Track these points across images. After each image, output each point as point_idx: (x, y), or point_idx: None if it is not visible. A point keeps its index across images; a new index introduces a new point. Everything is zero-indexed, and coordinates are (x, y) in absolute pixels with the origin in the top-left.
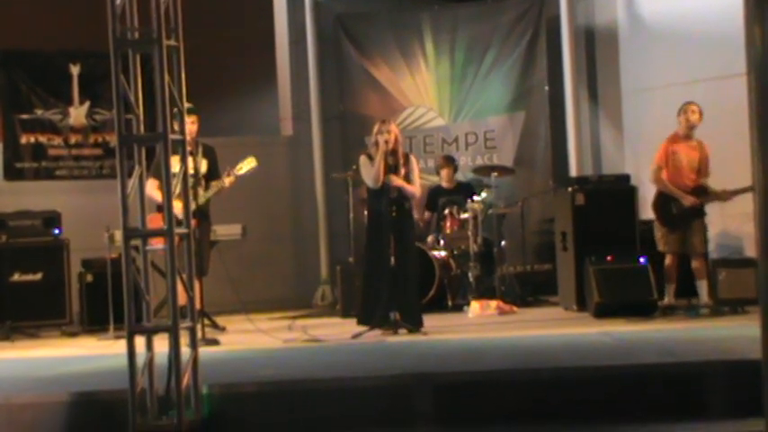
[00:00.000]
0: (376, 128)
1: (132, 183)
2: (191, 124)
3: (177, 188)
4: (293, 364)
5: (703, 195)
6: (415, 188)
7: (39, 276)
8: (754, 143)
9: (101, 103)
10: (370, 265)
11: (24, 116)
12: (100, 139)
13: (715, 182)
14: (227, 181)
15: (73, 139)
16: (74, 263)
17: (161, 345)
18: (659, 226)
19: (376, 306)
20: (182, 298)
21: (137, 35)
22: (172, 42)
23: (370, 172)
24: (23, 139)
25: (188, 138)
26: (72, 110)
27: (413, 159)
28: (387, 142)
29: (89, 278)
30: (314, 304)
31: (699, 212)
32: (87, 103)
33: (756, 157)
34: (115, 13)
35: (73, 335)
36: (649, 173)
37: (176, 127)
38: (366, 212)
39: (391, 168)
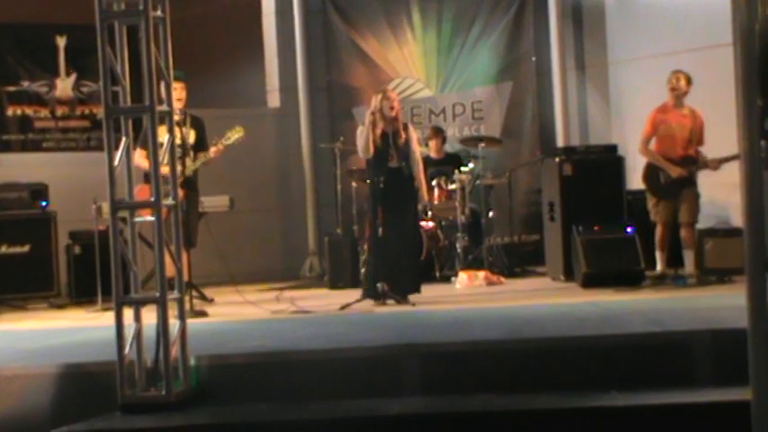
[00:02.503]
0: (378, 96)
1: (119, 154)
2: (180, 91)
3: (165, 157)
4: (281, 335)
5: (692, 165)
6: (418, 159)
7: (26, 249)
8: (740, 113)
9: (87, 75)
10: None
11: (11, 88)
12: (87, 111)
13: (704, 151)
14: (213, 151)
15: (60, 111)
16: (61, 235)
17: (149, 317)
18: (650, 196)
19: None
20: (169, 270)
21: (123, 6)
22: (158, 14)
23: (361, 141)
24: (10, 111)
25: (177, 105)
26: (59, 82)
27: (411, 128)
28: (392, 109)
29: (77, 250)
30: (302, 275)
31: (689, 181)
32: (74, 75)
33: (743, 128)
34: None
35: (61, 307)
36: (638, 144)
37: (164, 97)
38: (367, 183)
39: (389, 136)
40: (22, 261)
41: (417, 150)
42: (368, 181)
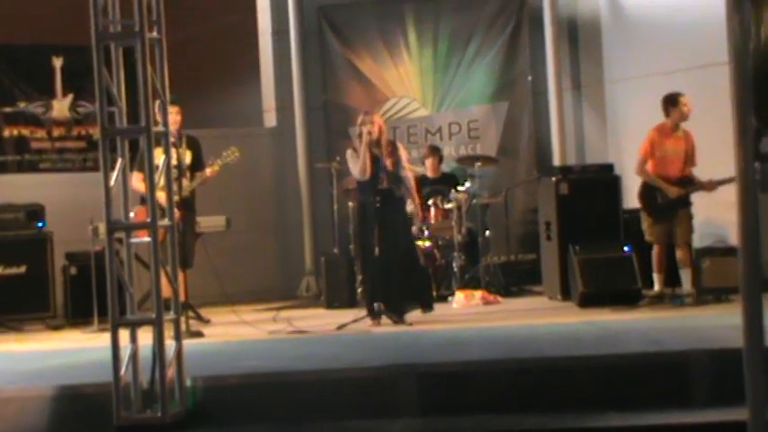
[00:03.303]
0: (360, 119)
1: (115, 175)
2: (174, 114)
3: (161, 180)
4: (278, 355)
5: (688, 186)
6: (409, 177)
7: (23, 269)
8: (736, 133)
9: (84, 96)
10: (368, 258)
11: (7, 109)
12: (83, 132)
13: (699, 171)
14: (209, 171)
15: (56, 132)
16: (58, 256)
17: (146, 338)
18: (646, 216)
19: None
20: (166, 290)
21: (119, 28)
22: (154, 35)
23: (356, 164)
24: (6, 132)
25: (172, 128)
26: (55, 103)
27: (400, 147)
28: (370, 133)
29: (73, 271)
30: (299, 295)
31: (684, 202)
32: (71, 96)
33: (738, 147)
34: (97, 6)
35: (57, 328)
36: (635, 164)
37: (159, 119)
38: (355, 204)
39: (378, 159)
40: (18, 282)
41: (408, 171)
42: (350, 204)
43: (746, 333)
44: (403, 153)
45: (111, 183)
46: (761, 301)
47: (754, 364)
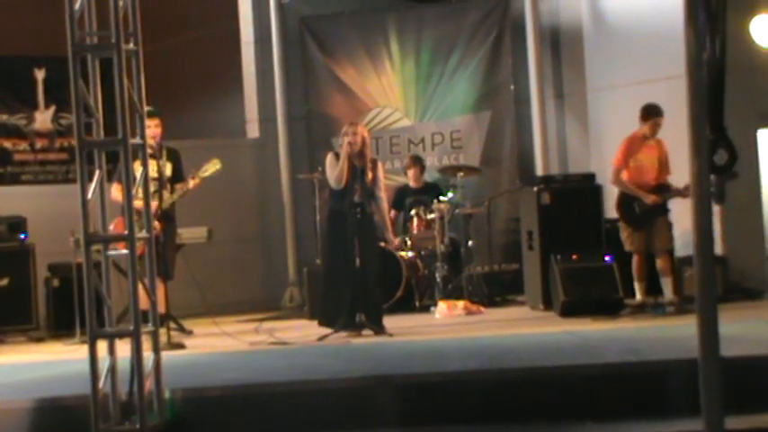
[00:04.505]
0: (344, 129)
1: (93, 187)
2: (154, 127)
3: (140, 191)
4: (258, 366)
5: (665, 193)
6: (383, 199)
7: (5, 282)
8: (691, 145)
9: (66, 108)
10: (333, 267)
11: None
12: (66, 144)
13: (676, 179)
14: (191, 183)
15: (39, 144)
16: (40, 268)
17: (126, 350)
18: (624, 226)
19: (340, 308)
20: (144, 302)
21: (95, 40)
22: (131, 47)
23: (334, 171)
24: None
25: (152, 141)
26: (37, 114)
27: (379, 165)
28: (351, 144)
29: (55, 283)
30: (282, 306)
31: (662, 210)
32: (53, 108)
33: (693, 160)
34: (73, 18)
35: (39, 340)
36: (610, 174)
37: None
38: (326, 213)
39: (358, 171)
40: (0, 294)
41: (383, 190)
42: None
43: (702, 342)
44: (381, 174)
45: (89, 195)
46: (716, 311)
47: (708, 375)
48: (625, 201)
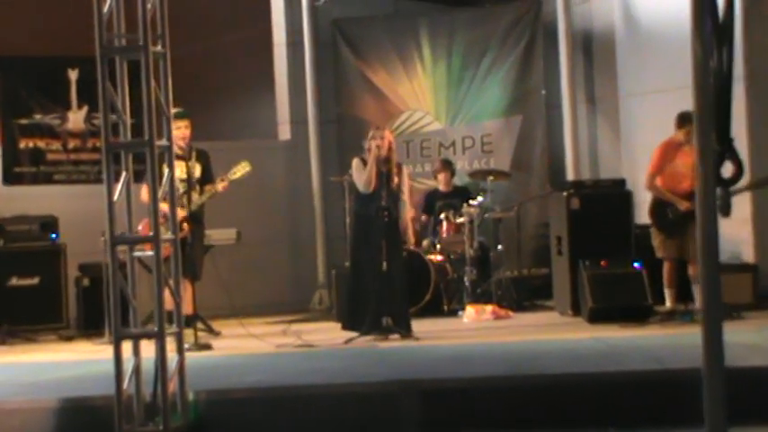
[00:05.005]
0: (370, 134)
1: (119, 188)
2: (184, 128)
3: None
4: (282, 369)
5: None
6: (407, 203)
7: (36, 281)
8: (697, 157)
9: (99, 108)
10: (360, 271)
11: (23, 121)
12: (98, 144)
13: None
14: (220, 186)
15: (71, 144)
16: (71, 267)
17: (153, 351)
18: (656, 232)
19: (366, 311)
20: (170, 303)
21: (124, 42)
22: (158, 49)
23: (362, 176)
24: (22, 144)
25: (181, 142)
26: (70, 114)
27: (404, 170)
28: (379, 147)
29: (85, 282)
30: (311, 308)
31: (695, 217)
32: (85, 108)
33: (699, 172)
34: (102, 21)
35: (69, 339)
36: (644, 179)
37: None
38: (352, 217)
39: (384, 175)
40: (31, 293)
41: (406, 194)
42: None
43: (706, 353)
44: (406, 178)
45: (116, 196)
46: (722, 325)
47: (713, 384)
48: (658, 207)
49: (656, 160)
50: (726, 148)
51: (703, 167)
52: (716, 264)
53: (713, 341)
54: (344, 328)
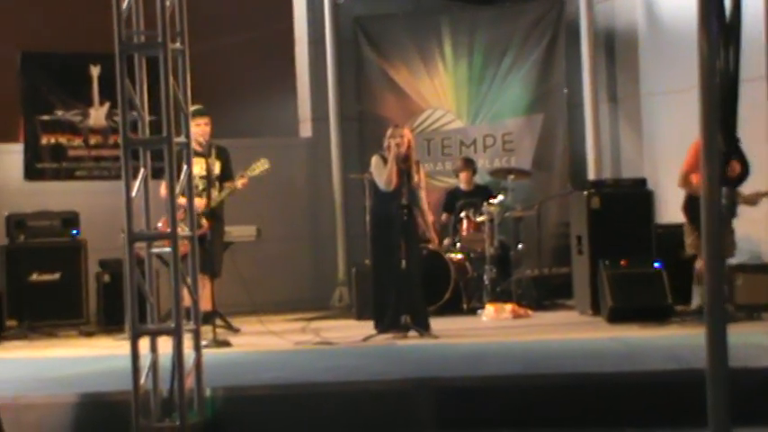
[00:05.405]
0: (389, 132)
1: (137, 185)
2: (203, 126)
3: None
4: (300, 366)
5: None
6: (424, 199)
7: (57, 276)
8: (703, 156)
9: None
10: (382, 269)
11: (45, 117)
12: (119, 141)
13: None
14: (239, 183)
15: (93, 140)
16: (91, 263)
17: (168, 347)
18: (690, 230)
19: (385, 309)
20: (189, 300)
21: (142, 39)
22: (177, 46)
23: (382, 174)
24: (44, 140)
25: (201, 139)
26: (92, 111)
27: (422, 168)
28: (398, 146)
29: (106, 278)
30: (331, 306)
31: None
32: (107, 105)
33: (705, 171)
34: (121, 17)
35: (90, 334)
36: (676, 178)
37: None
38: (371, 215)
39: (404, 173)
40: (52, 288)
41: (424, 190)
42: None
43: (710, 353)
44: (423, 176)
45: (133, 193)
46: (725, 323)
47: (716, 387)
48: (692, 204)
49: (691, 158)
50: (732, 149)
51: (709, 168)
52: (720, 264)
53: (717, 342)
54: (376, 328)
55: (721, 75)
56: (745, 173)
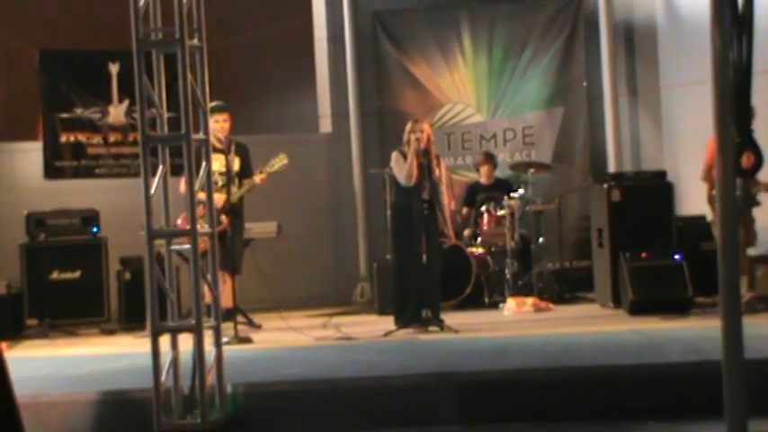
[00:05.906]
0: (408, 126)
1: (156, 182)
2: (223, 122)
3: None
4: (321, 362)
5: (755, 186)
6: (444, 193)
7: (77, 274)
8: (717, 148)
9: None
10: (403, 264)
11: (64, 115)
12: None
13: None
14: (257, 178)
15: (112, 138)
16: (112, 261)
17: (189, 344)
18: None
19: (406, 304)
20: (209, 297)
21: (160, 35)
22: (195, 42)
23: (402, 169)
24: (63, 138)
25: (220, 135)
26: (111, 108)
27: (443, 162)
28: (418, 140)
29: (127, 276)
30: (353, 301)
31: (750, 203)
32: (126, 102)
33: (719, 162)
34: (138, 14)
35: (111, 332)
36: (698, 171)
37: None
38: (392, 210)
39: (425, 168)
40: (73, 287)
41: (445, 185)
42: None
43: (726, 344)
44: (444, 169)
45: (153, 190)
46: (740, 313)
47: (733, 377)
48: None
49: (712, 152)
50: (746, 140)
51: (723, 159)
52: (735, 255)
53: (732, 334)
54: (397, 323)
55: (734, 66)
56: (759, 163)
